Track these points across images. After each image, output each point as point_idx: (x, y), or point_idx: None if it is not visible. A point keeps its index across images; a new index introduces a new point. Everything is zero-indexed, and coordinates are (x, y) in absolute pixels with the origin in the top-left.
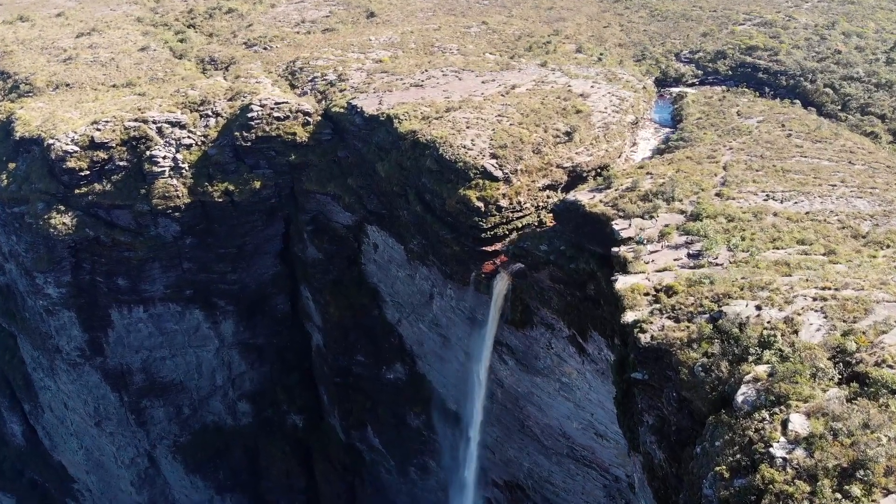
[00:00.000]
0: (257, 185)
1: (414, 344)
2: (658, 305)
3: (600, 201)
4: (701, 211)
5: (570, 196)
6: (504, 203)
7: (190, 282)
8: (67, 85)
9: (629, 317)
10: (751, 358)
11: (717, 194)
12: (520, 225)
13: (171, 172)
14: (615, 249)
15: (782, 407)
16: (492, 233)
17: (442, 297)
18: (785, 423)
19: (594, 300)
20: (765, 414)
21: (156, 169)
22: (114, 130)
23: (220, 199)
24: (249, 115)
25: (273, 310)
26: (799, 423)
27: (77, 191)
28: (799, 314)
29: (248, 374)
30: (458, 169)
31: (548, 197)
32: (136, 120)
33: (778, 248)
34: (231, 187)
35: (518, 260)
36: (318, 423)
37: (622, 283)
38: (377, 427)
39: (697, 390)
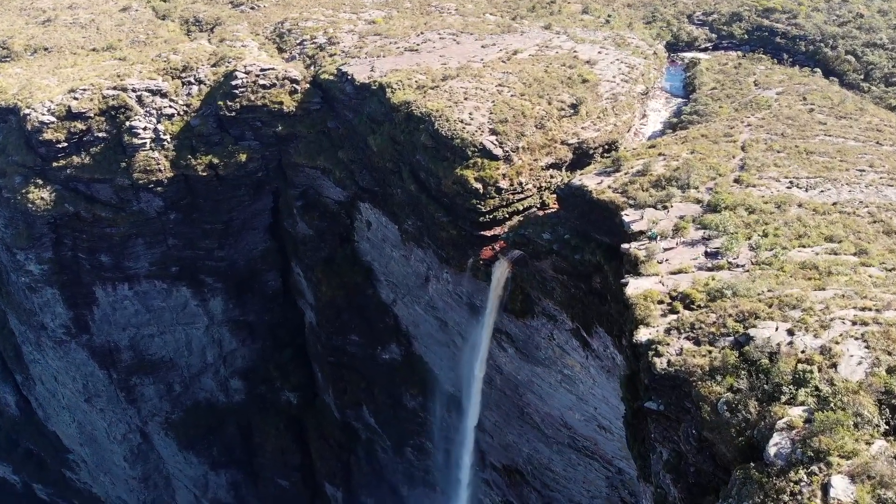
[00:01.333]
0: (243, 157)
1: (410, 325)
2: (674, 317)
3: (609, 187)
4: (719, 201)
5: (576, 180)
6: (504, 184)
7: (175, 258)
8: (46, 49)
9: (643, 335)
10: (783, 397)
11: (736, 180)
12: (521, 207)
13: (152, 145)
14: (625, 246)
15: (822, 465)
16: (490, 216)
17: (438, 281)
18: (825, 488)
19: (600, 294)
20: (802, 473)
21: (136, 141)
22: (91, 99)
23: (205, 173)
24: (233, 82)
25: (263, 287)
26: (842, 489)
27: (55, 164)
28: (837, 342)
29: (239, 352)
30: (454, 146)
31: (551, 177)
32: (114, 88)
33: (804, 247)
34: (215, 160)
35: (519, 248)
36: (312, 400)
37: (634, 288)
38: (372, 407)
39: (721, 432)
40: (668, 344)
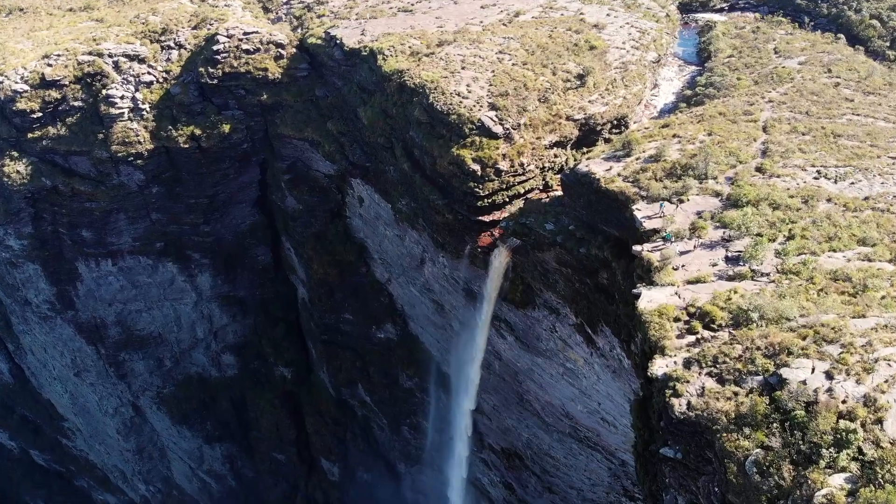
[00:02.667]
0: (226, 129)
1: (405, 304)
2: (693, 338)
3: (618, 175)
4: (740, 195)
5: (583, 166)
6: (504, 165)
7: (160, 233)
8: (21, 10)
9: (659, 368)
10: (822, 461)
11: (758, 168)
12: (521, 191)
13: (131, 115)
14: (637, 248)
15: None
16: (489, 200)
17: (434, 264)
18: None
19: (607, 292)
20: None
21: (113, 111)
22: (66, 66)
23: (187, 145)
24: (215, 47)
25: (253, 261)
26: None
27: (30, 135)
28: (883, 391)
29: (230, 327)
30: (450, 122)
31: (555, 156)
32: (90, 53)
33: (834, 251)
34: (197, 131)
35: (519, 238)
36: (307, 376)
37: (647, 301)
38: (368, 386)
39: (749, 497)
40: (687, 381)
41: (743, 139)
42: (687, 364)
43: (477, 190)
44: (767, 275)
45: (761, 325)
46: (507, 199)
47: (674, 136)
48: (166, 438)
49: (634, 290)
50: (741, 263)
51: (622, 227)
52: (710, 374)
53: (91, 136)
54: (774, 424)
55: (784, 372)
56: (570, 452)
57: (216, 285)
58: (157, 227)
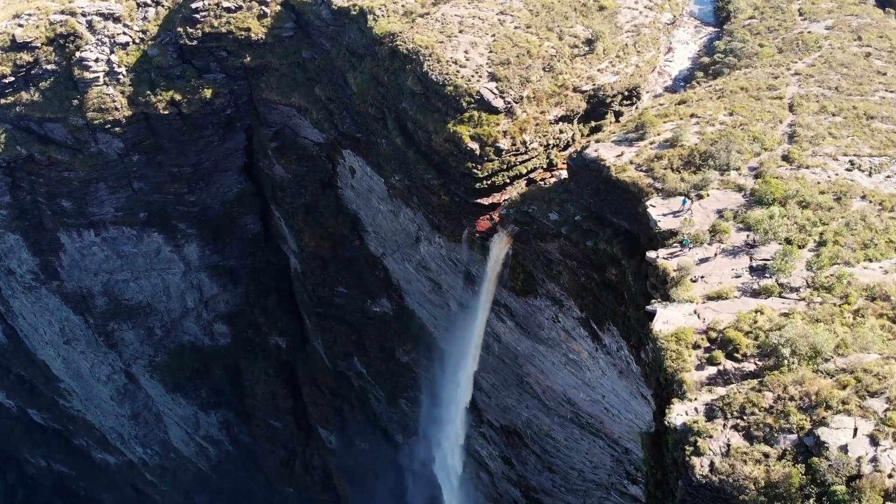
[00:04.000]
0: (208, 93)
1: (401, 280)
2: (714, 370)
3: (630, 162)
4: (766, 192)
5: (591, 150)
6: (505, 144)
7: (143, 204)
8: None
9: (677, 416)
10: None
11: (785, 157)
12: (523, 171)
13: (107, 79)
14: (652, 255)
15: None
16: (488, 182)
17: (430, 244)
18: None
19: (615, 289)
20: None
21: (87, 75)
22: (38, 27)
23: (166, 111)
24: (194, 5)
25: (242, 231)
26: None
27: (3, 101)
28: None
29: (221, 297)
30: (447, 95)
31: (560, 132)
32: (62, 12)
33: (870, 260)
34: (177, 97)
35: (521, 227)
36: (301, 345)
37: (663, 321)
38: (364, 359)
39: None
40: (710, 436)
41: (768, 120)
42: (710, 413)
43: (475, 171)
44: (797, 289)
45: (793, 362)
46: (508, 180)
47: (691, 115)
48: (161, 405)
49: (649, 308)
50: (767, 275)
51: (633, 220)
52: (736, 428)
53: (66, 101)
54: (811, 500)
55: (822, 433)
56: (571, 437)
57: (204, 255)
58: (139, 196)
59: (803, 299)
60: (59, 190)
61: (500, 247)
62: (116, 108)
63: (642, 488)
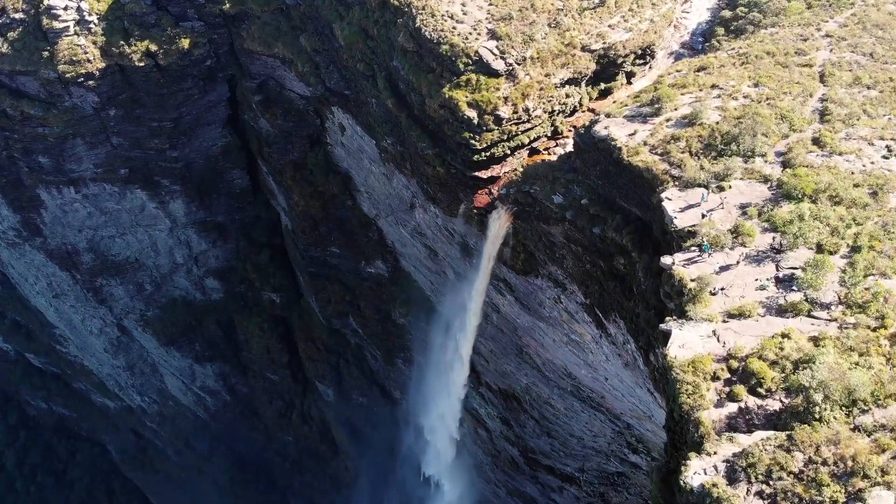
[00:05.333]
0: (186, 43)
1: (396, 242)
2: (735, 407)
3: (644, 143)
4: (794, 185)
5: (601, 127)
6: (506, 111)
7: (123, 159)
8: None
9: (693, 475)
10: None
11: (815, 140)
12: (526, 140)
13: (77, 28)
14: (667, 262)
15: None
16: (487, 154)
17: (426, 212)
18: None
19: (623, 281)
20: None
21: (57, 24)
22: None
23: (142, 63)
24: None
25: (229, 185)
26: None
27: None
28: None
29: (211, 252)
30: (441, 54)
31: (567, 96)
32: None
33: None
34: (153, 47)
35: (522, 208)
36: (296, 300)
37: (678, 345)
38: (359, 320)
39: None
40: (730, 503)
41: (797, 93)
42: (731, 475)
43: (473, 142)
44: (828, 306)
45: (825, 409)
46: (509, 151)
47: (712, 86)
48: (156, 356)
49: (663, 327)
50: (795, 288)
51: (646, 207)
52: (761, 496)
53: (36, 53)
54: None
55: None
56: (570, 408)
57: (191, 212)
58: (119, 152)
59: (834, 320)
60: (35, 146)
61: (499, 224)
62: (89, 60)
63: (643, 457)
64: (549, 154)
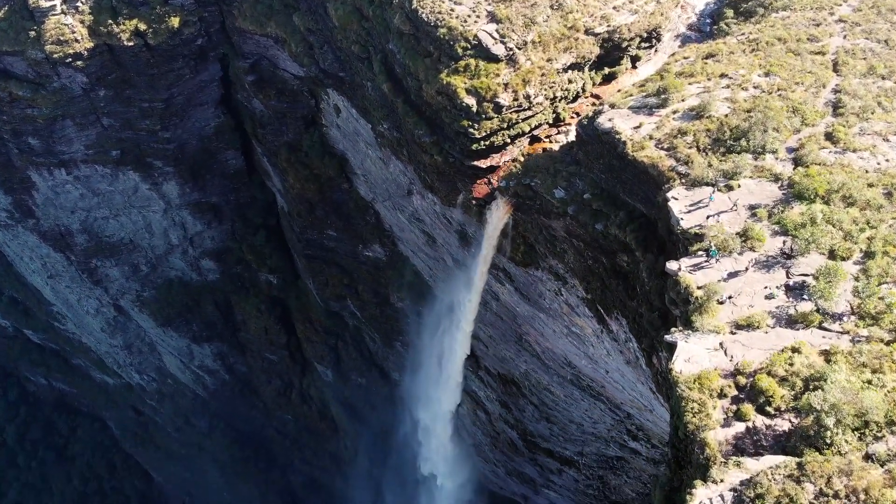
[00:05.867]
0: (175, 22)
1: (394, 226)
2: (743, 427)
3: (650, 137)
4: (807, 185)
5: (604, 119)
6: (506, 98)
7: (115, 141)
8: None
9: None
10: None
11: (828, 136)
12: (526, 128)
13: (64, 7)
14: (673, 268)
15: None
16: (486, 143)
17: (423, 198)
18: None
19: (626, 279)
20: None
21: (43, 3)
22: None
23: (131, 43)
24: None
25: (223, 166)
26: None
27: None
28: None
29: (206, 233)
30: (439, 38)
31: (569, 81)
32: None
33: None
34: (142, 26)
35: (523, 201)
36: (293, 281)
37: (684, 359)
38: (357, 303)
39: None
40: None
41: (809, 84)
42: None
43: (472, 131)
44: (840, 317)
45: (837, 434)
46: (509, 140)
47: (721, 75)
48: (154, 335)
49: (668, 338)
50: (806, 297)
51: (651, 204)
52: None
53: (22, 33)
54: None
55: None
56: (570, 396)
57: (185, 193)
58: (110, 133)
59: (847, 332)
60: (24, 128)
61: (498, 216)
62: (77, 40)
63: (643, 444)
64: (550, 142)
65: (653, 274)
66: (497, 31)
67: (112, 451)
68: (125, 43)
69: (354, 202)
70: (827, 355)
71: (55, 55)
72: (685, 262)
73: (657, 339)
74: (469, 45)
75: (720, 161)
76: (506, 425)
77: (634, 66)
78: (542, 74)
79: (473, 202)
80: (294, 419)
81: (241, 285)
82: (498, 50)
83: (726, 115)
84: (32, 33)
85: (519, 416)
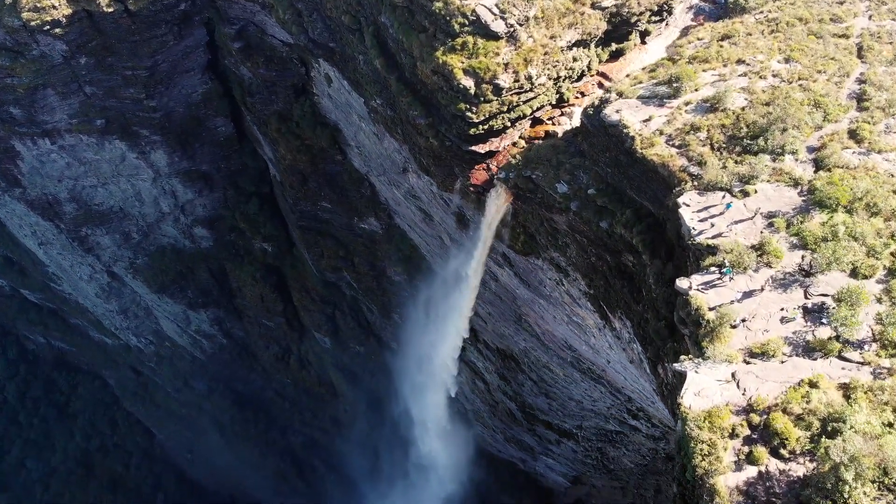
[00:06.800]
0: None
1: (390, 200)
2: (755, 472)
3: (660, 132)
4: (828, 193)
5: (611, 111)
6: (506, 80)
7: (99, 109)
8: None
9: None
10: None
11: (852, 134)
12: (528, 111)
13: None
14: (683, 286)
15: None
16: (485, 127)
17: (419, 178)
18: None
19: (631, 280)
20: None
21: None
22: None
23: (110, 9)
24: None
25: (213, 133)
26: None
27: None
28: None
29: (197, 201)
30: (434, 13)
31: (574, 59)
32: None
33: None
34: None
35: (523, 194)
36: (289, 249)
37: (694, 392)
38: (354, 275)
39: None
40: None
41: (832, 73)
42: None
43: (469, 114)
44: (861, 346)
45: (855, 487)
46: (509, 123)
47: (738, 61)
48: (149, 300)
49: (678, 367)
50: (825, 321)
51: (659, 203)
52: None
53: None
54: None
55: None
56: (570, 377)
57: (173, 162)
58: (93, 102)
59: (868, 363)
60: (5, 97)
61: (497, 203)
62: (54, 7)
63: (643, 423)
64: (553, 124)
65: (660, 281)
66: (497, 5)
67: (113, 409)
68: (104, 9)
69: (348, 174)
70: (846, 390)
71: (32, 22)
72: (696, 279)
73: (663, 350)
74: (467, 21)
75: (736, 163)
76: (504, 396)
77: (644, 42)
78: (545, 53)
79: (471, 189)
80: (293, 383)
81: (236, 252)
82: (498, 27)
83: (743, 109)
84: (8, 0)
85: (518, 389)
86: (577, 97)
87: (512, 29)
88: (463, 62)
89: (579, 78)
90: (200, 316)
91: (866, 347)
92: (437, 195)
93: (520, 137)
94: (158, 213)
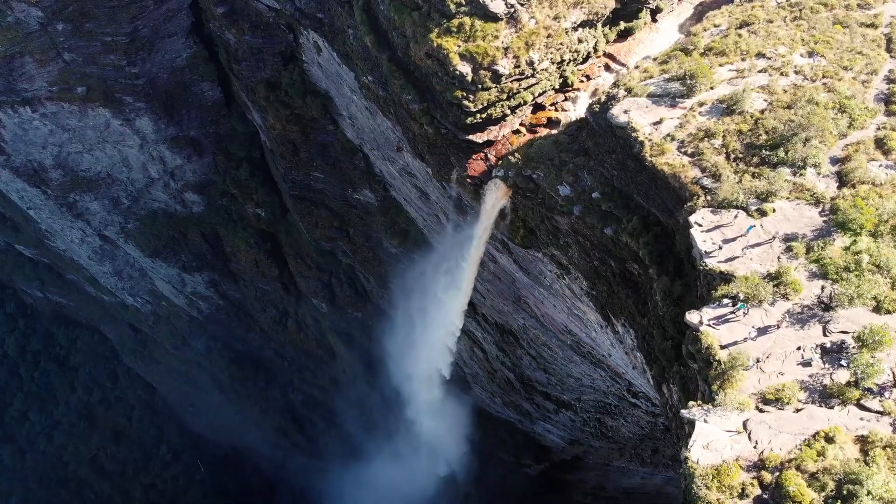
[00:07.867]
0: None
1: (385, 174)
2: None
3: (671, 138)
4: (852, 216)
5: (619, 111)
6: (506, 66)
7: (79, 77)
8: None
9: None
10: None
11: (879, 143)
12: (529, 97)
13: None
14: (694, 320)
15: None
16: (483, 115)
17: (415, 158)
18: None
19: (636, 290)
20: None
21: None
22: None
23: None
24: None
25: (199, 98)
26: None
27: None
28: None
29: (187, 167)
30: None
31: (579, 41)
32: None
33: None
34: None
35: (523, 194)
36: (283, 215)
37: (702, 444)
38: (349, 246)
39: None
40: None
41: (859, 70)
42: None
43: (466, 103)
44: (882, 392)
45: None
46: (509, 111)
47: (757, 54)
48: (143, 263)
49: (686, 414)
50: (843, 364)
51: (669, 212)
52: None
53: None
54: None
55: None
56: (570, 359)
57: (160, 129)
58: (73, 69)
59: (888, 413)
60: None
61: (496, 196)
62: None
63: (643, 401)
64: (556, 110)
65: (668, 300)
66: None
67: (113, 362)
68: None
69: (341, 145)
70: (864, 444)
71: None
72: (708, 312)
73: (669, 373)
74: (463, 1)
75: (753, 177)
76: (502, 366)
77: (654, 20)
78: (549, 35)
79: (468, 180)
80: (292, 345)
81: (229, 217)
82: (497, 7)
83: (762, 112)
84: None
85: (516, 361)
86: (581, 81)
87: (512, 9)
88: (459, 46)
89: (584, 60)
90: (196, 279)
91: (886, 395)
92: (432, 178)
93: (520, 125)
94: (147, 179)
